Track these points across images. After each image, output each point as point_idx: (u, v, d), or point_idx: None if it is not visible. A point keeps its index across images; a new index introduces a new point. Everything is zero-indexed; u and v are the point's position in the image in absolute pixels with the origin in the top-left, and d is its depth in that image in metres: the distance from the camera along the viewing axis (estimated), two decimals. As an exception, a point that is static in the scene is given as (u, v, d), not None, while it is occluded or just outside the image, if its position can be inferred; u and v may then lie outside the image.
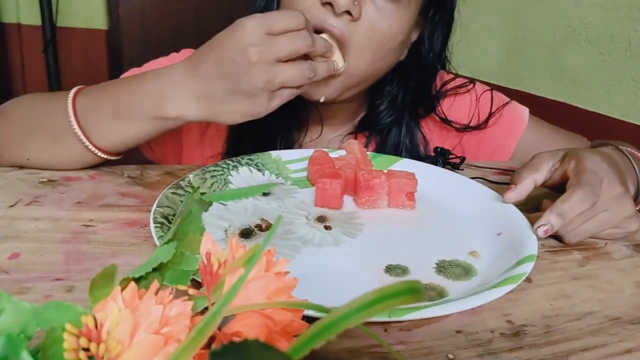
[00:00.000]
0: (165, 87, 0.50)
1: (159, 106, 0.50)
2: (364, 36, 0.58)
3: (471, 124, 0.72)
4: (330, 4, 0.55)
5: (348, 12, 0.55)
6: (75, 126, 0.52)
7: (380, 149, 0.70)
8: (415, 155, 0.70)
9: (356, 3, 0.55)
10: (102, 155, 0.54)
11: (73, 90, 0.54)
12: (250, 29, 0.47)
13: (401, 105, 0.69)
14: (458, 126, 0.72)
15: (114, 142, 0.53)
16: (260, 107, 0.50)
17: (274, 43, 0.47)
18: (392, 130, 0.69)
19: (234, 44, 0.47)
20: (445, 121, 0.72)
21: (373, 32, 0.58)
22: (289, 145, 0.70)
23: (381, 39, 0.59)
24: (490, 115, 0.72)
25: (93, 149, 0.53)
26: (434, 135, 0.74)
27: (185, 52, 0.73)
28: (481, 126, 0.72)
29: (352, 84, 0.61)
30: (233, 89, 0.48)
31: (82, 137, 0.52)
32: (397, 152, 0.70)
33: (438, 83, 0.73)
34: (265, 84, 0.47)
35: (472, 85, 0.75)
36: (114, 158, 0.56)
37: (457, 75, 0.75)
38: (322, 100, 0.60)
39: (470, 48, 1.71)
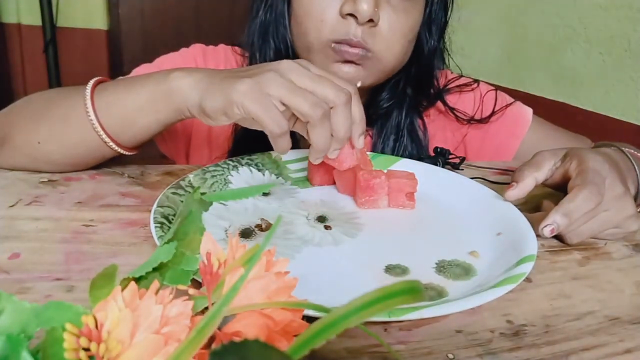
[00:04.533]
0: (182, 69, 0.49)
1: (165, 77, 0.48)
2: (386, 37, 0.60)
3: (475, 117, 0.73)
4: (353, 15, 0.57)
5: (370, 20, 0.57)
6: (88, 101, 0.50)
7: (382, 132, 0.70)
8: (415, 138, 0.71)
9: (376, 9, 0.57)
10: (104, 137, 0.51)
11: (98, 78, 0.54)
12: (291, 64, 0.45)
13: (402, 91, 0.70)
14: (462, 116, 0.73)
15: (112, 115, 0.51)
16: (227, 95, 0.44)
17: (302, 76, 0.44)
18: (393, 112, 0.70)
19: (264, 65, 0.46)
20: (451, 109, 0.73)
21: (393, 31, 0.60)
22: (293, 144, 0.70)
23: (402, 34, 0.61)
24: (494, 111, 0.73)
25: (96, 124, 0.50)
26: (437, 131, 0.74)
27: (196, 47, 0.74)
28: (484, 120, 0.73)
29: (381, 71, 0.63)
30: (226, 76, 0.46)
31: (90, 109, 0.50)
32: (398, 132, 0.70)
33: (443, 81, 0.73)
34: (250, 87, 0.43)
35: (476, 84, 0.76)
36: (117, 148, 0.52)
37: (461, 76, 0.76)
38: (358, 85, 0.60)
39: (470, 48, 1.71)
